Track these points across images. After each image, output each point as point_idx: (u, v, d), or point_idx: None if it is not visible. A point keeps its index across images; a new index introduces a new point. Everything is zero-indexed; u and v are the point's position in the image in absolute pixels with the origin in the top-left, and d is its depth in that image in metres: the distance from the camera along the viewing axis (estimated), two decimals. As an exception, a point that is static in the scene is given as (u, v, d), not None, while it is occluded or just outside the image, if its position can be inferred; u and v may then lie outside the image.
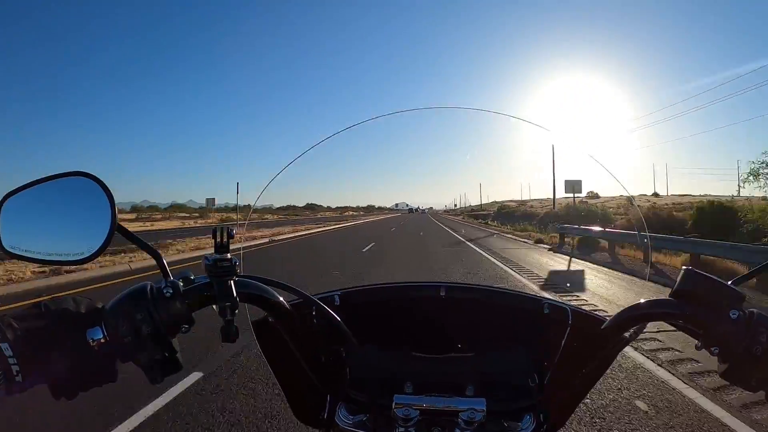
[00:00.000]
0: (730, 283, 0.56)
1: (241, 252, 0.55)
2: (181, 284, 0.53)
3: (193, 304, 0.52)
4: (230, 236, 0.55)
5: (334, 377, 0.68)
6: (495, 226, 32.50)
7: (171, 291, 0.51)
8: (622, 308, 0.61)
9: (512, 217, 40.60)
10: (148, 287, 0.51)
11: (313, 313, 0.65)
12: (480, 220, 47.52)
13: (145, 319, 0.48)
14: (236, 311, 0.53)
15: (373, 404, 0.64)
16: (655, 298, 0.59)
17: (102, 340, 0.48)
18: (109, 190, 0.54)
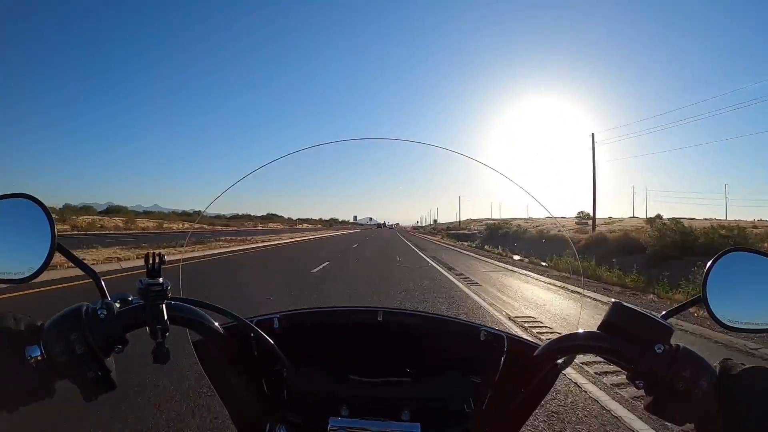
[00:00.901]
0: (661, 315, 0.57)
1: (181, 266, 0.58)
2: (118, 305, 0.54)
3: (126, 326, 0.54)
4: (162, 261, 0.56)
5: (273, 399, 0.68)
6: (518, 258, 18.44)
7: (105, 312, 0.52)
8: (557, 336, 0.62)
9: (510, 239, 29.93)
10: (84, 308, 0.52)
11: (252, 334, 0.65)
12: (468, 243, 34.56)
13: (78, 339, 0.50)
14: (167, 334, 0.55)
15: (309, 426, 0.64)
16: (586, 330, 0.60)
17: (39, 358, 0.49)
18: (48, 211, 0.55)
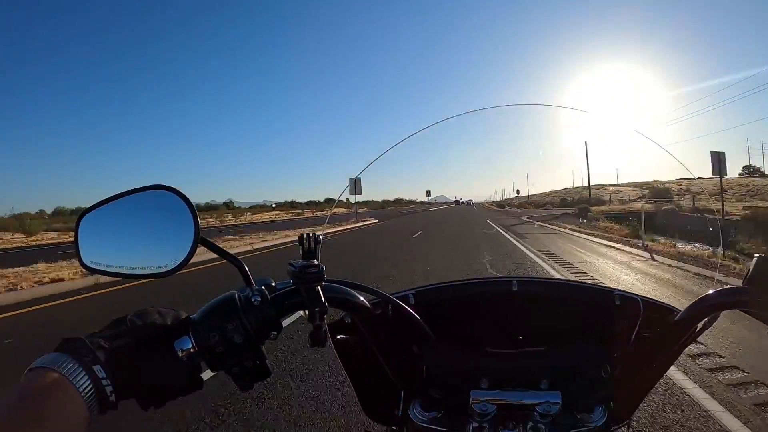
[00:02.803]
0: None
1: (318, 256, 0.55)
2: (267, 291, 0.53)
3: (281, 311, 0.52)
4: (317, 242, 0.55)
5: (409, 374, 0.68)
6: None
7: (259, 299, 0.51)
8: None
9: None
10: (236, 296, 0.51)
11: (390, 312, 0.66)
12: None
13: (236, 329, 0.49)
14: (325, 315, 0.54)
15: (449, 400, 0.64)
16: (728, 286, 0.58)
17: (191, 350, 0.48)
18: (191, 203, 0.54)
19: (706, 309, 0.60)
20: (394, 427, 0.71)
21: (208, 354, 0.49)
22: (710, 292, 0.60)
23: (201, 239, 0.54)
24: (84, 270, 0.56)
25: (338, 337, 0.69)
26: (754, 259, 0.56)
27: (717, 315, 0.61)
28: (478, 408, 0.61)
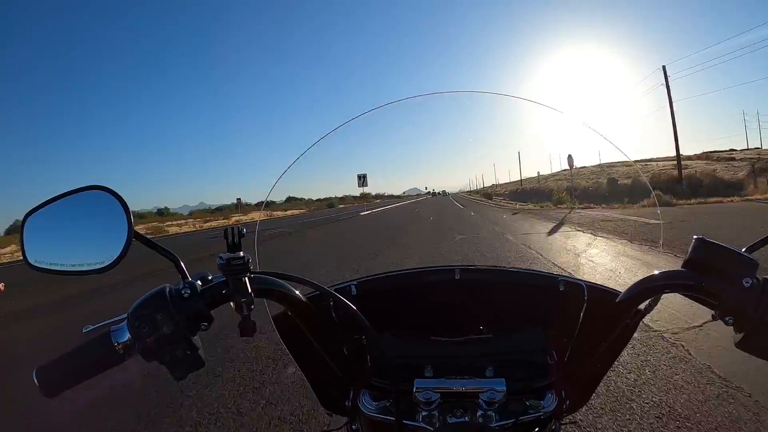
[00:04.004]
0: (743, 250, 0.55)
1: (255, 248, 0.58)
2: (199, 284, 0.56)
3: (210, 303, 0.55)
4: (241, 235, 0.56)
5: (356, 366, 0.69)
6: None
7: (189, 291, 0.53)
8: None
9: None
10: (167, 289, 0.53)
11: (331, 303, 0.66)
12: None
13: (164, 319, 0.51)
14: (252, 306, 0.55)
15: (395, 389, 0.65)
16: (667, 269, 0.59)
17: (127, 342, 0.52)
18: (123, 200, 0.57)
19: (645, 291, 0.60)
20: (346, 418, 0.71)
21: (140, 344, 0.51)
22: (651, 274, 0.60)
23: (135, 234, 0.56)
24: (29, 268, 0.59)
25: (285, 328, 0.68)
26: (692, 242, 0.57)
27: (658, 297, 0.62)
28: (421, 396, 0.61)
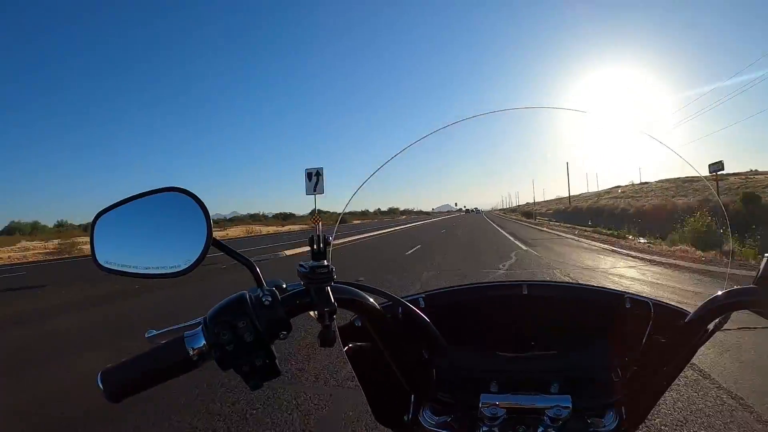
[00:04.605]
0: None
1: (329, 257, 0.56)
2: (276, 291, 0.54)
3: (291, 311, 0.53)
4: (327, 243, 0.55)
5: (420, 379, 0.68)
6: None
7: (270, 299, 0.52)
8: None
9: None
10: (247, 296, 0.52)
11: (400, 315, 0.65)
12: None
13: (247, 327, 0.50)
14: (334, 316, 0.54)
15: (459, 404, 0.64)
16: (738, 287, 0.58)
17: (203, 348, 0.50)
18: (203, 204, 0.55)
19: (715, 310, 0.59)
20: None
21: (218, 352, 0.50)
22: (719, 292, 0.59)
23: (213, 240, 0.55)
24: (99, 270, 0.58)
25: (349, 340, 0.69)
26: (765, 259, 0.56)
27: (728, 316, 0.61)
28: (487, 412, 0.60)
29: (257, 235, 37.86)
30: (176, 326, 0.54)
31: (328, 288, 0.54)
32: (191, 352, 0.50)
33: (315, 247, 0.55)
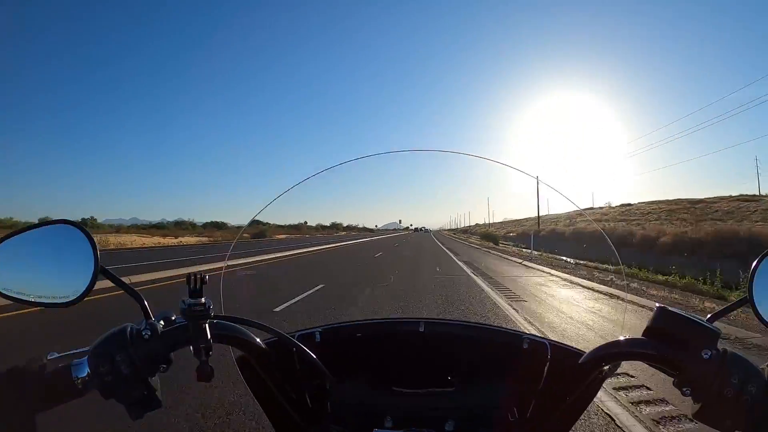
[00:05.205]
0: (706, 318, 0.55)
1: (221, 286, 0.58)
2: (162, 325, 0.56)
3: (171, 345, 0.55)
4: (203, 281, 0.56)
5: (318, 412, 0.69)
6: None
7: (149, 333, 0.54)
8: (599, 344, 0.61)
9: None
10: (128, 329, 0.54)
11: (294, 349, 0.65)
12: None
13: (124, 360, 0.51)
14: (210, 352, 0.56)
15: None
16: (630, 337, 0.59)
17: (87, 378, 0.52)
18: (90, 236, 0.58)
19: (607, 356, 0.60)
20: None
21: (99, 382, 0.51)
22: (614, 340, 0.61)
23: (101, 270, 0.57)
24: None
25: (247, 372, 0.67)
26: (655, 310, 0.57)
27: (619, 363, 0.62)
28: None
29: (124, 248, 28.72)
30: (75, 350, 0.56)
31: (206, 324, 0.55)
32: (77, 380, 0.52)
33: (192, 285, 0.56)
